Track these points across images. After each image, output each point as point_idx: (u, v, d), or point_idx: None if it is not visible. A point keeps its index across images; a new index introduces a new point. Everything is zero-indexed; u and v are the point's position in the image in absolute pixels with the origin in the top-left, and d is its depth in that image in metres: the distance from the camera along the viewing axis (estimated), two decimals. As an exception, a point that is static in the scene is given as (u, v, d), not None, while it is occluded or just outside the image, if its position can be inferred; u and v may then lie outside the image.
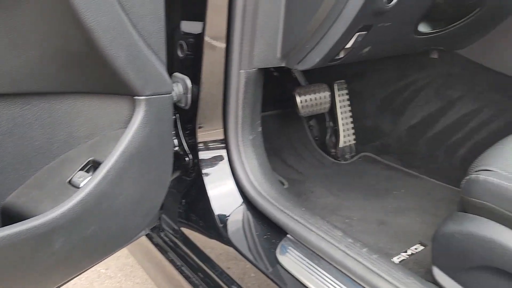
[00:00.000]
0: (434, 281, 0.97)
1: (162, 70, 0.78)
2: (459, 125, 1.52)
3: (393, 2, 0.95)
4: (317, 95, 1.64)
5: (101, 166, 0.71)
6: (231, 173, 1.12)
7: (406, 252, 1.17)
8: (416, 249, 1.19)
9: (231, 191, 1.12)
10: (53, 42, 0.65)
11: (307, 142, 1.78)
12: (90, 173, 0.74)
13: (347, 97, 1.75)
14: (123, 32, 0.67)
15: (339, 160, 1.73)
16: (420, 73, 1.59)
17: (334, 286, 0.92)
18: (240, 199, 1.12)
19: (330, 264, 0.96)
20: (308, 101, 1.62)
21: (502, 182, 0.84)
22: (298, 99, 1.60)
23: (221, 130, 1.12)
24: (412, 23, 1.14)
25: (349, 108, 1.75)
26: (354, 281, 0.91)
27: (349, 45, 1.03)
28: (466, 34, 1.33)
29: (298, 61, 1.07)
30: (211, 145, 1.14)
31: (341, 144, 1.74)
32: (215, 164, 1.14)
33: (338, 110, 1.73)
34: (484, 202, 0.87)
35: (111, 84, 0.71)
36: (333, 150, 1.76)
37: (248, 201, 1.12)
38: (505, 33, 1.34)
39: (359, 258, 0.92)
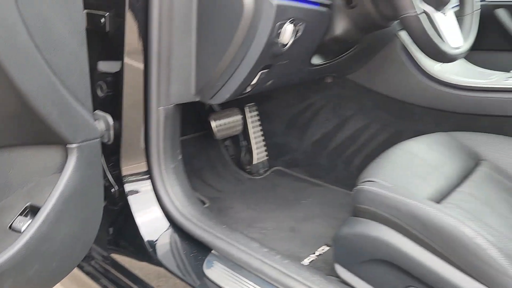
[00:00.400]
0: (337, 276, 1.16)
1: (90, 118, 0.88)
2: (353, 139, 1.76)
3: (286, 47, 1.13)
4: (230, 119, 1.79)
5: (41, 210, 0.78)
6: (156, 201, 1.23)
7: (314, 253, 1.36)
8: (323, 250, 1.38)
9: (157, 217, 1.23)
10: (-11, 105, 0.72)
11: (224, 162, 1.93)
12: (29, 217, 0.81)
13: (257, 117, 1.93)
14: (54, 92, 0.76)
15: (254, 176, 1.90)
16: (318, 95, 1.81)
17: (253, 291, 1.08)
18: (166, 224, 1.24)
19: (250, 272, 1.11)
20: (222, 125, 1.77)
21: (381, 191, 1.06)
22: (213, 124, 1.74)
23: (144, 163, 1.22)
24: (306, 59, 1.34)
25: (260, 127, 1.93)
26: (271, 283, 1.07)
27: (254, 81, 1.19)
28: (351, 63, 1.57)
29: (210, 97, 1.22)
30: (135, 176, 1.24)
31: (255, 161, 1.91)
32: (141, 193, 1.24)
33: (250, 130, 1.90)
34: (369, 208, 1.08)
35: (44, 135, 0.80)
36: (248, 167, 1.93)
37: (174, 224, 1.23)
38: (383, 60, 1.60)
39: (273, 264, 1.09)
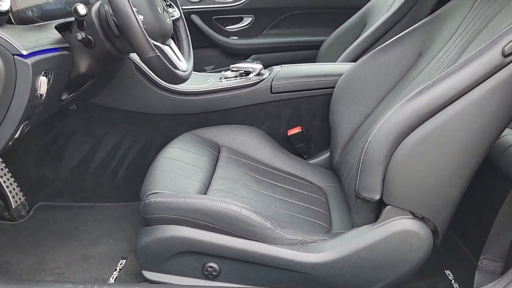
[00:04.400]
0: (147, 280, 1.35)
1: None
2: (112, 155, 1.89)
3: (43, 96, 1.18)
4: None
5: None
6: None
7: (116, 270, 1.49)
8: (121, 264, 1.52)
9: None
10: None
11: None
12: None
13: None
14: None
15: (18, 221, 1.81)
16: (65, 122, 1.84)
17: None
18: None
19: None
20: None
21: (165, 199, 1.28)
22: None
23: None
24: (57, 98, 1.40)
25: (7, 169, 1.83)
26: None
27: (17, 135, 1.19)
28: (93, 89, 1.68)
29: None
30: None
31: (13, 205, 1.81)
32: None
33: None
34: (159, 215, 1.29)
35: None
36: (6, 214, 1.81)
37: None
38: (120, 80, 1.77)
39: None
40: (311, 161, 1.87)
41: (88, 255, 1.57)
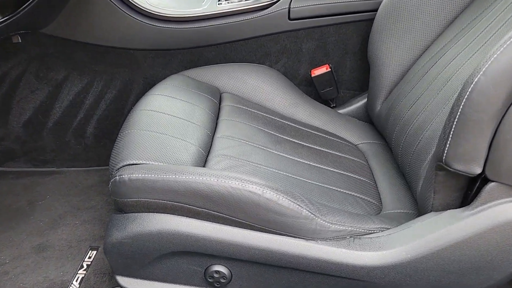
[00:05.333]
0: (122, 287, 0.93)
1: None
2: (77, 105, 1.43)
3: None
4: None
5: None
6: None
7: (82, 268, 1.07)
8: (90, 258, 1.10)
9: None
10: None
11: None
12: None
13: None
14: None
15: (-45, 192, 1.37)
16: (8, 62, 1.36)
17: None
18: None
19: None
20: None
21: (146, 175, 0.83)
22: None
23: None
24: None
25: None
26: None
27: None
28: (40, 13, 1.18)
29: None
30: None
31: None
32: None
33: None
34: (138, 199, 0.85)
35: None
36: None
37: None
38: (85, 5, 1.27)
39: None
40: (341, 111, 1.42)
41: (45, 244, 1.14)
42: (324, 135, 1.28)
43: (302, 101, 1.36)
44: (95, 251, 1.11)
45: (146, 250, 0.86)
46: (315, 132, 1.28)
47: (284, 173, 1.02)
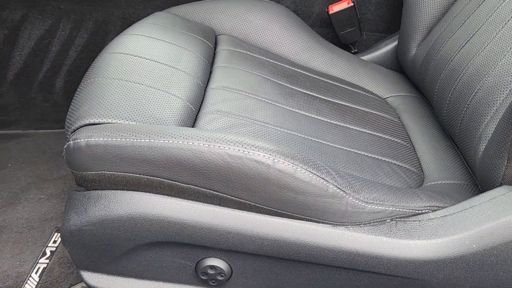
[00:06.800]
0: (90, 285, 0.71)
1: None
2: (41, 52, 1.17)
3: None
4: None
5: None
6: None
7: (44, 255, 0.85)
8: (55, 242, 0.88)
9: None
10: None
11: None
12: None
13: None
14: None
15: None
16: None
17: None
18: None
19: None
20: None
21: (110, 139, 0.60)
22: None
23: None
24: None
25: None
26: None
27: None
28: None
29: None
30: None
31: None
32: None
33: None
34: (101, 172, 0.62)
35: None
36: None
37: None
38: None
39: None
40: (365, 57, 1.17)
41: (0, 225, 0.92)
42: (346, 87, 1.03)
43: (317, 45, 1.10)
44: (61, 234, 0.88)
45: (116, 240, 0.63)
46: (335, 83, 1.03)
47: (300, 135, 0.78)
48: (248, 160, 0.56)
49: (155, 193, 0.61)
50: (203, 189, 0.59)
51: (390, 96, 1.06)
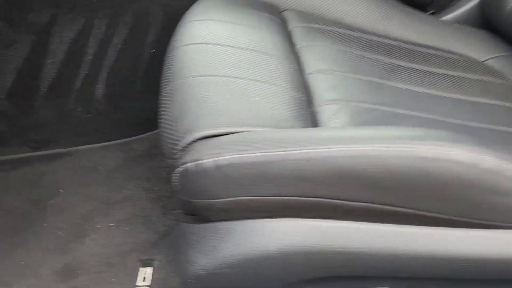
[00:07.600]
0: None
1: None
2: (77, 57, 1.01)
3: None
4: None
5: None
6: None
7: (136, 296, 0.71)
8: (144, 279, 0.74)
9: None
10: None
11: None
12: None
13: None
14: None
15: None
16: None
17: None
18: None
19: None
20: None
21: (246, 154, 0.45)
22: None
23: None
24: None
25: None
26: None
27: None
28: None
29: None
30: None
31: None
32: None
33: None
34: (235, 199, 0.47)
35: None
36: None
37: None
38: None
39: None
40: (444, 18, 1.02)
41: (72, 265, 0.77)
42: (441, 54, 0.89)
43: (394, 11, 0.96)
44: (150, 268, 0.74)
45: (262, 281, 0.49)
46: (428, 51, 0.89)
47: (434, 117, 0.64)
48: (446, 162, 0.42)
49: (311, 218, 0.47)
50: (378, 206, 0.45)
51: (489, 58, 0.92)
